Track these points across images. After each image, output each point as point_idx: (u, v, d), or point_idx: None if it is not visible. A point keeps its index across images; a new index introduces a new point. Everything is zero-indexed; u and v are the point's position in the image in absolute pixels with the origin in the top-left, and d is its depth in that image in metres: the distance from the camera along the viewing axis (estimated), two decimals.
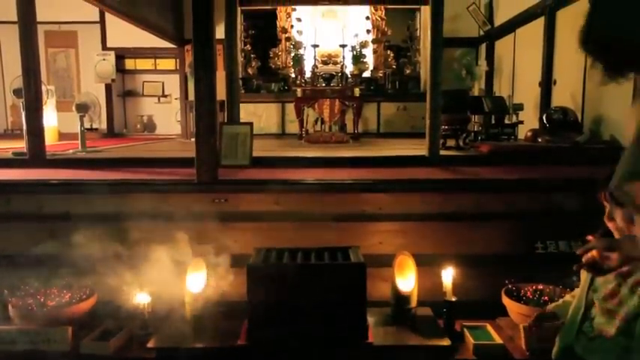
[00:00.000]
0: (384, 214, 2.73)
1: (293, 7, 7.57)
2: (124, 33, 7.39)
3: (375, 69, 7.68)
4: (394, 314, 2.39)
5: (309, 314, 2.17)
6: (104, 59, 7.69)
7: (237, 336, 2.20)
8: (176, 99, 8.26)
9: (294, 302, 2.18)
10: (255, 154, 3.74)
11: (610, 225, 1.52)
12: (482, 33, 7.32)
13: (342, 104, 6.26)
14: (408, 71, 7.74)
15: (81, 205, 2.72)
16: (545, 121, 4.62)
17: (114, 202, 2.73)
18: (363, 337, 2.17)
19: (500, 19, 6.75)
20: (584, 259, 1.41)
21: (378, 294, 2.51)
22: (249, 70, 7.69)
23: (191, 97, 5.97)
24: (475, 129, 5.36)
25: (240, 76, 6.95)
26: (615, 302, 1.50)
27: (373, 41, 7.59)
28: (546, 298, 2.36)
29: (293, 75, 7.34)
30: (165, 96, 8.58)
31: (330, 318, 2.18)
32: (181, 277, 2.35)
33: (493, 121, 5.21)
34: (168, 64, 8.32)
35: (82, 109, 4.62)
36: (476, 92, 7.02)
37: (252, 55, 7.72)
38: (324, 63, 6.72)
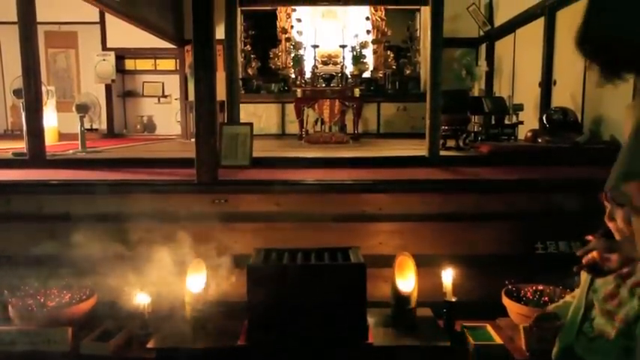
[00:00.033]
0: (384, 215, 2.73)
1: (293, 7, 7.57)
2: (124, 33, 7.39)
3: (375, 69, 7.68)
4: (394, 315, 2.38)
5: (309, 315, 2.17)
6: (104, 60, 7.69)
7: (237, 336, 2.20)
8: (176, 99, 8.26)
9: (294, 303, 2.18)
10: (255, 154, 3.74)
11: (610, 225, 1.52)
12: (482, 33, 7.32)
13: (342, 105, 6.26)
14: (408, 71, 7.74)
15: (81, 206, 2.71)
16: (545, 122, 4.62)
17: (114, 203, 2.73)
18: (363, 337, 2.17)
19: (500, 20, 6.75)
20: (584, 261, 1.41)
21: (378, 294, 2.51)
22: (249, 71, 7.69)
23: (191, 97, 5.97)
24: (475, 129, 5.36)
25: (240, 76, 6.95)
26: (615, 303, 1.50)
27: (373, 42, 7.60)
28: (546, 298, 2.36)
29: (293, 75, 7.34)
30: (166, 96, 8.58)
31: (330, 318, 2.18)
32: (181, 277, 2.35)
33: (493, 122, 5.21)
34: (169, 64, 8.32)
35: (82, 109, 4.62)
36: (476, 92, 7.02)
37: (252, 56, 7.72)
38: (324, 63, 6.72)
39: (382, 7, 7.58)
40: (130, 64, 8.45)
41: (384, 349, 2.17)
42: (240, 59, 7.01)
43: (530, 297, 2.41)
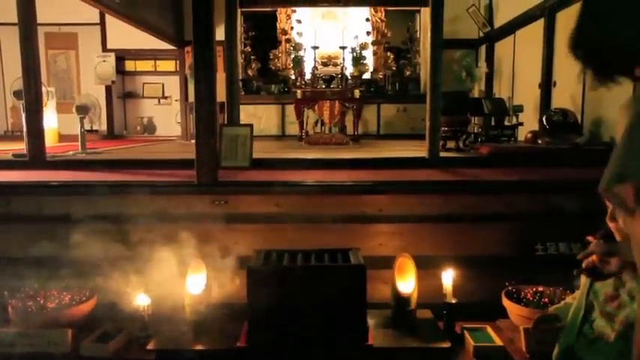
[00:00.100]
0: (384, 216, 2.73)
1: (293, 8, 7.57)
2: (124, 35, 7.40)
3: (375, 70, 7.68)
4: (394, 316, 2.38)
5: (309, 316, 2.17)
6: (104, 61, 7.69)
7: (237, 338, 2.19)
8: (176, 100, 8.26)
9: (294, 304, 2.17)
10: (255, 155, 3.74)
11: (611, 225, 1.52)
12: (482, 34, 7.32)
13: (342, 106, 6.26)
14: (407, 73, 7.74)
15: (81, 207, 2.71)
16: (545, 123, 4.62)
17: (114, 204, 2.73)
18: (363, 339, 2.17)
19: (499, 21, 6.76)
20: (583, 264, 1.41)
21: (378, 296, 2.51)
22: (249, 72, 7.69)
23: (191, 98, 5.97)
24: (475, 131, 5.36)
25: (240, 77, 6.95)
26: (615, 305, 1.50)
27: (373, 43, 7.60)
28: (546, 299, 2.36)
29: (293, 76, 7.35)
30: (166, 97, 8.58)
31: (330, 320, 2.18)
32: (181, 278, 2.35)
33: (493, 123, 5.21)
34: (169, 65, 8.32)
35: (82, 110, 4.62)
36: (476, 94, 7.03)
37: (252, 57, 7.72)
38: (324, 65, 6.72)
39: (382, 9, 7.58)
40: (130, 65, 8.45)
41: (384, 351, 2.17)
42: (240, 60, 7.01)
43: (531, 298, 2.40)
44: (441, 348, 2.17)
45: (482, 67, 6.90)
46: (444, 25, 3.53)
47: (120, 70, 8.22)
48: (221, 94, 3.98)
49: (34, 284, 2.55)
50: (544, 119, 4.65)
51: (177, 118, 8.16)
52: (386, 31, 7.67)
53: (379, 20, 7.69)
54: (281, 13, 7.68)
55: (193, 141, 2.95)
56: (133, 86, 8.64)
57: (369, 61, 7.38)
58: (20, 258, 2.68)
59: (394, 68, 7.65)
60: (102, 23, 7.90)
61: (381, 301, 2.46)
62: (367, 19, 7.72)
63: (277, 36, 7.74)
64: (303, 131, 6.45)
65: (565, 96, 4.98)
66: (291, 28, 7.71)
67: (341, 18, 7.56)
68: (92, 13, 7.46)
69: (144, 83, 8.59)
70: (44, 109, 3.86)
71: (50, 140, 5.43)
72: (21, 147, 4.01)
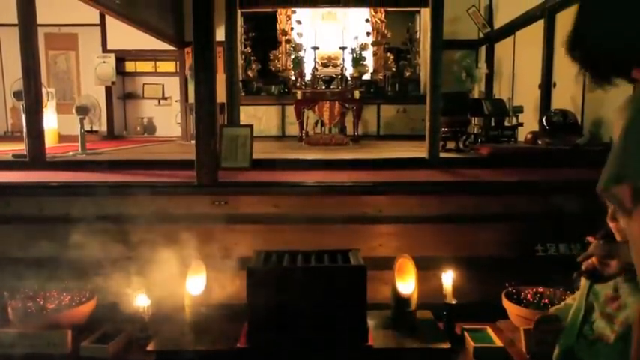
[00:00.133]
0: (384, 217, 2.73)
1: (293, 9, 7.58)
2: (125, 35, 7.41)
3: (375, 71, 7.69)
4: (394, 317, 2.38)
5: (309, 317, 2.17)
6: (104, 62, 7.69)
7: (237, 339, 2.19)
8: (176, 101, 8.26)
9: (294, 305, 2.17)
10: (255, 156, 3.74)
11: (612, 226, 1.52)
12: (481, 35, 7.33)
13: (342, 106, 6.27)
14: (407, 73, 7.74)
15: (81, 208, 2.71)
16: (544, 124, 4.62)
17: (114, 205, 2.73)
18: (363, 339, 2.17)
19: (499, 22, 6.76)
20: (583, 267, 1.41)
21: (378, 297, 2.50)
22: (249, 73, 7.69)
23: (191, 99, 5.96)
24: (475, 131, 5.36)
25: (240, 78, 6.95)
26: (614, 307, 1.50)
27: (373, 44, 7.61)
28: (546, 300, 2.36)
29: (293, 77, 7.35)
30: (166, 98, 8.59)
31: (330, 321, 2.17)
32: (181, 279, 2.35)
33: (493, 124, 5.21)
34: (169, 66, 8.32)
35: (82, 111, 4.62)
36: (476, 94, 7.04)
37: (252, 58, 7.73)
38: (324, 65, 6.72)
39: (382, 9, 7.59)
40: (130, 66, 8.45)
41: (384, 352, 2.17)
42: (240, 61, 7.02)
43: (531, 299, 2.41)
44: (441, 349, 2.17)
45: (482, 68, 6.90)
46: (444, 26, 3.53)
47: (120, 71, 8.22)
48: (221, 95, 3.98)
49: (34, 285, 2.55)
50: (544, 120, 4.66)
51: (178, 118, 8.16)
52: (386, 31, 7.68)
53: (379, 21, 7.70)
54: (281, 13, 7.68)
55: (193, 142, 2.95)
56: (133, 87, 8.65)
57: (369, 61, 7.39)
58: (20, 258, 2.68)
59: (394, 69, 7.65)
60: (102, 24, 7.91)
61: (381, 302, 2.46)
62: (367, 20, 7.73)
63: (277, 37, 7.74)
64: (303, 132, 6.45)
65: (565, 97, 4.99)
66: (291, 28, 7.72)
67: (341, 19, 7.57)
68: (92, 14, 7.46)
69: (144, 84, 8.59)
70: (44, 109, 3.86)
71: (50, 141, 5.42)
72: (21, 148, 4.01)
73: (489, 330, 2.34)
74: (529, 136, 4.87)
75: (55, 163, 3.82)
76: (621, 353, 1.44)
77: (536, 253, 2.68)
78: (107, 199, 2.76)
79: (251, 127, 3.87)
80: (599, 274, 1.38)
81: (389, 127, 7.56)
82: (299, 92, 6.36)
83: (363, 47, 7.02)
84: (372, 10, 7.64)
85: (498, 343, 2.23)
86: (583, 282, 1.69)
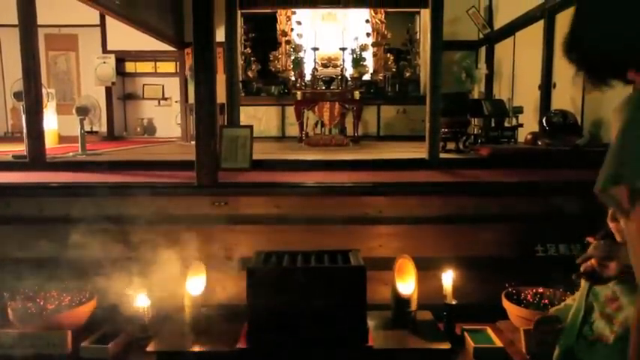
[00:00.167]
0: (384, 217, 2.73)
1: (293, 10, 7.58)
2: (125, 36, 7.41)
3: (375, 72, 7.69)
4: (394, 317, 2.38)
5: (309, 317, 2.17)
6: (104, 62, 7.69)
7: (237, 339, 2.19)
8: (176, 102, 8.27)
9: (294, 305, 2.17)
10: (255, 156, 3.74)
11: (612, 226, 1.52)
12: (481, 36, 7.33)
13: (342, 107, 6.27)
14: (407, 74, 7.74)
15: (81, 208, 2.71)
16: (544, 124, 4.62)
17: (114, 205, 2.73)
18: (363, 340, 2.17)
19: (499, 22, 6.76)
20: (582, 268, 1.41)
21: (378, 297, 2.51)
22: (250, 73, 7.69)
23: (191, 99, 5.97)
24: (475, 132, 5.36)
25: (241, 79, 6.95)
26: (614, 307, 1.50)
27: (373, 44, 7.61)
28: (546, 301, 2.36)
29: (293, 78, 7.35)
30: (166, 99, 8.59)
31: (330, 321, 2.17)
32: (181, 280, 2.35)
33: (493, 124, 5.21)
34: (169, 67, 8.33)
35: (83, 112, 4.62)
36: (476, 95, 7.03)
37: (253, 58, 7.73)
38: (324, 66, 6.73)
39: (382, 10, 7.59)
40: (130, 66, 8.46)
41: (384, 352, 2.16)
42: (240, 62, 7.02)
43: (531, 300, 2.40)
44: (441, 349, 2.17)
45: (482, 69, 6.90)
46: (444, 27, 3.53)
47: (120, 72, 8.22)
48: (221, 96, 3.98)
49: (34, 286, 2.55)
50: (544, 121, 4.66)
51: (178, 119, 8.17)
52: (386, 32, 7.68)
53: (379, 22, 7.70)
54: (281, 14, 7.68)
55: (193, 142, 2.95)
56: (133, 87, 8.65)
57: (369, 62, 7.39)
58: (20, 259, 2.68)
59: (394, 70, 7.65)
60: (102, 25, 7.91)
61: (382, 303, 2.46)
62: (367, 21, 7.73)
63: (277, 37, 7.75)
64: (303, 132, 6.45)
65: (565, 97, 4.99)
66: (291, 29, 7.72)
67: (341, 19, 7.57)
68: (92, 15, 7.47)
69: (144, 85, 8.60)
70: (44, 110, 3.86)
71: (50, 142, 5.42)
72: (21, 148, 4.01)
73: (489, 330, 2.34)
74: (529, 136, 4.87)
75: (55, 163, 3.82)
76: (621, 354, 1.44)
77: (537, 254, 2.68)
78: (107, 199, 2.76)
79: (251, 127, 3.87)
80: (598, 276, 1.38)
81: (389, 127, 7.56)
82: (299, 93, 6.36)
83: (363, 48, 7.03)
84: (372, 11, 7.64)
85: (498, 343, 2.23)
86: (583, 283, 1.69)
